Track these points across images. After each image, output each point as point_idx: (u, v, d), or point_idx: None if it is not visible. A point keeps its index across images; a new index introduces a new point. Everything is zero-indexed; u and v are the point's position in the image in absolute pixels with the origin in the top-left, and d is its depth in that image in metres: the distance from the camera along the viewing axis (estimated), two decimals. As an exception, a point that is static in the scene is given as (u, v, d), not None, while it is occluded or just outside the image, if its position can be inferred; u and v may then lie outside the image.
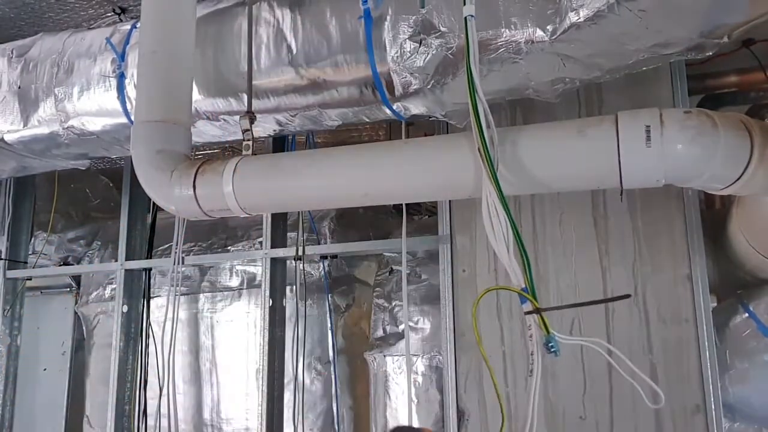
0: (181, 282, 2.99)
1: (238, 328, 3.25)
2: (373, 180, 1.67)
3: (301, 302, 2.91)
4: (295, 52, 1.92)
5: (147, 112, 1.85)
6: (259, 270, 3.00)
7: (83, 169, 2.78)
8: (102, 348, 3.45)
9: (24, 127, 2.38)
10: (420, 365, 2.69)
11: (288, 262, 2.93)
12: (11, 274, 3.40)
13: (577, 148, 1.45)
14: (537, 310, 1.25)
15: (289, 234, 2.98)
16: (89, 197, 3.95)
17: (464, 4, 1.44)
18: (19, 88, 2.36)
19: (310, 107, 2.01)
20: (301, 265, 2.87)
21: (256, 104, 1.98)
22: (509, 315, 2.21)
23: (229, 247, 3.33)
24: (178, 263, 2.80)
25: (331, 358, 3.13)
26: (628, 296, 2.02)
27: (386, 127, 3.55)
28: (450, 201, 2.40)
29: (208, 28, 2.07)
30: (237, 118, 1.99)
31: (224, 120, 2.15)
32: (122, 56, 2.19)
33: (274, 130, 2.20)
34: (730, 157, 1.37)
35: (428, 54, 1.76)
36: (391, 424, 2.74)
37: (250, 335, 3.19)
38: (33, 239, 3.60)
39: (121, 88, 2.18)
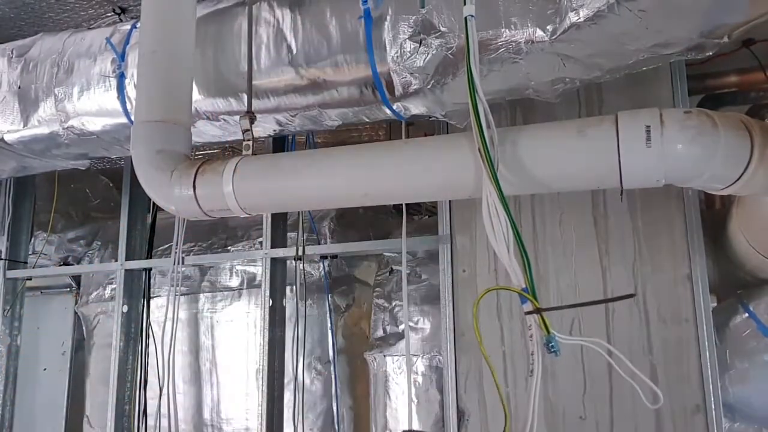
0: (181, 282, 2.99)
1: (238, 328, 3.25)
2: (373, 180, 1.67)
3: (301, 302, 2.91)
4: (295, 52, 1.92)
5: (147, 112, 1.85)
6: (259, 270, 3.00)
7: (83, 169, 2.78)
8: (102, 348, 3.45)
9: (24, 127, 2.38)
10: (420, 365, 2.69)
11: (288, 262, 2.93)
12: (11, 274, 3.40)
13: (577, 148, 1.45)
14: (537, 310, 1.25)
15: (289, 234, 2.98)
16: (89, 197, 3.95)
17: (464, 4, 1.43)
18: (19, 88, 2.36)
19: (310, 107, 2.01)
20: (301, 265, 2.87)
21: (256, 104, 1.98)
22: (509, 315, 2.21)
23: (229, 247, 3.33)
24: (178, 263, 2.80)
25: (331, 358, 3.13)
26: (632, 296, 2.03)
27: (386, 127, 3.55)
28: (450, 201, 2.40)
29: (208, 28, 2.07)
30: (237, 118, 1.99)
31: (224, 120, 2.15)
32: (122, 56, 2.19)
33: (274, 130, 2.20)
34: (730, 157, 1.37)
35: (428, 54, 1.76)
36: (391, 424, 2.74)
37: (250, 335, 3.19)
38: (33, 239, 3.60)
39: (121, 88, 2.18)
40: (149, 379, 3.02)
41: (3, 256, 3.39)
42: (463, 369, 2.28)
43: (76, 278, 3.87)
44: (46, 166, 2.73)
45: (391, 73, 1.82)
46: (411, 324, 2.71)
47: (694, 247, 2.05)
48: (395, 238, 2.78)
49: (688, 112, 1.41)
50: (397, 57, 1.79)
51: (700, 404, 1.97)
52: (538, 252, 2.21)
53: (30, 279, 3.50)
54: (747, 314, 2.08)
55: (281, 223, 2.94)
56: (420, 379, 2.69)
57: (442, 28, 1.72)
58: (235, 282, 3.31)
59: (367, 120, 2.07)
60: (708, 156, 1.37)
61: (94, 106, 2.24)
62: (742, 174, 1.38)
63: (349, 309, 3.21)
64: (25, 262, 3.49)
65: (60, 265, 3.72)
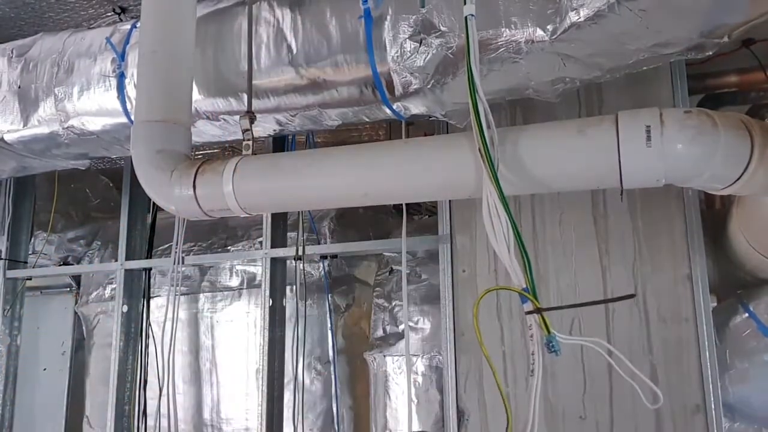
0: (181, 282, 2.99)
1: (238, 328, 3.25)
2: (373, 180, 1.67)
3: (301, 302, 2.91)
4: (295, 51, 1.92)
5: (147, 111, 1.85)
6: (259, 270, 3.00)
7: (83, 169, 2.78)
8: (102, 348, 3.45)
9: (24, 126, 2.38)
10: (420, 365, 2.69)
11: (288, 262, 2.93)
12: (11, 274, 3.40)
13: (577, 148, 1.45)
14: (538, 310, 1.25)
15: (289, 234, 2.98)
16: (89, 197, 3.95)
17: (464, 3, 1.43)
18: (19, 87, 2.36)
19: (310, 107, 2.01)
20: (301, 265, 2.87)
21: (256, 104, 1.98)
22: (509, 315, 2.21)
23: (229, 247, 3.33)
24: (178, 263, 2.80)
25: (331, 358, 3.13)
26: (633, 296, 2.03)
27: (386, 127, 3.55)
28: (450, 201, 2.40)
29: (208, 27, 2.07)
30: (237, 118, 1.99)
31: (224, 120, 2.15)
32: (122, 56, 2.19)
33: (274, 130, 2.20)
34: (730, 157, 1.37)
35: (428, 54, 1.76)
36: (391, 424, 2.74)
37: (250, 335, 3.19)
38: (33, 239, 3.60)
39: (121, 88, 2.18)
40: (149, 379, 3.02)
41: (3, 256, 3.39)
42: (463, 369, 2.28)
43: (76, 278, 3.87)
44: (46, 166, 2.72)
45: (391, 73, 1.82)
46: (411, 324, 2.71)
47: (694, 247, 2.05)
48: (395, 238, 2.78)
49: (688, 111, 1.41)
50: (397, 57, 1.79)
51: (700, 404, 1.97)
52: (538, 252, 2.21)
53: (30, 279, 3.49)
54: (747, 314, 2.08)
55: (281, 223, 2.94)
56: (420, 379, 2.69)
57: (443, 28, 1.72)
58: (235, 282, 3.31)
59: (367, 120, 2.07)
60: (708, 156, 1.37)
61: (94, 106, 2.24)
62: (742, 174, 1.38)
63: (349, 309, 3.21)
64: (25, 262, 3.49)
65: (60, 265, 3.72)
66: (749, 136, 1.37)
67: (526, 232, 2.22)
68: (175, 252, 2.79)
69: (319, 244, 3.10)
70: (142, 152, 1.83)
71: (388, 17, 1.79)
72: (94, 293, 3.60)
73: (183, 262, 2.88)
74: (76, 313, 3.81)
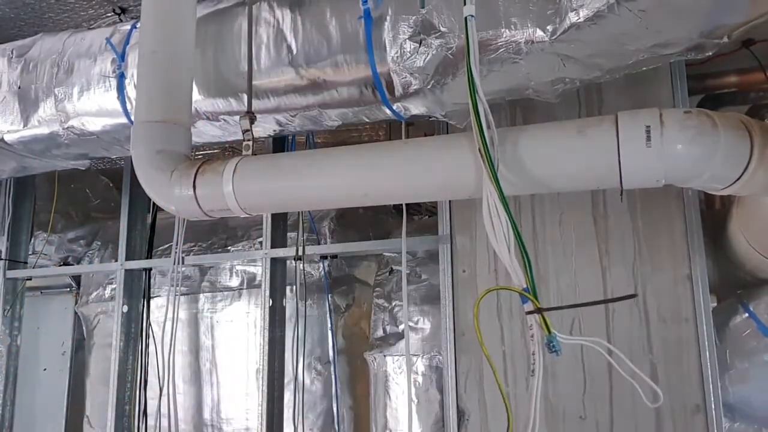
0: (181, 282, 2.99)
1: (238, 328, 3.25)
2: (373, 180, 1.67)
3: (301, 302, 2.91)
4: (295, 52, 1.92)
5: (147, 112, 1.85)
6: (259, 270, 3.00)
7: (83, 169, 2.78)
8: (102, 348, 3.45)
9: (24, 127, 2.38)
10: (420, 365, 2.69)
11: (288, 262, 2.93)
12: (11, 274, 3.40)
13: (577, 148, 1.45)
14: (539, 310, 1.25)
15: (289, 234, 2.98)
16: (89, 197, 3.95)
17: (464, 4, 1.43)
18: (19, 88, 2.36)
19: (310, 107, 2.01)
20: (301, 265, 2.87)
21: (256, 104, 1.98)
22: (509, 315, 2.21)
23: (229, 247, 3.33)
24: (178, 263, 2.80)
25: (331, 358, 3.13)
26: (634, 296, 2.02)
27: (386, 127, 3.55)
28: (450, 201, 2.40)
29: (208, 28, 2.07)
30: (237, 118, 1.99)
31: (224, 120, 2.15)
32: (122, 56, 2.19)
33: (274, 130, 2.20)
34: (730, 157, 1.37)
35: (428, 54, 1.76)
36: (391, 424, 2.74)
37: (250, 335, 3.19)
38: (33, 239, 3.60)
39: (121, 88, 2.18)
40: (149, 379, 3.02)
41: (3, 256, 3.39)
42: (463, 369, 2.28)
43: (76, 278, 3.87)
44: (46, 166, 2.73)
45: (391, 74, 1.82)
46: (411, 324, 2.71)
47: (694, 247, 2.05)
48: (395, 238, 2.78)
49: (688, 112, 1.41)
50: (397, 57, 1.79)
51: (700, 404, 1.97)
52: (538, 252, 2.21)
53: (30, 279, 3.50)
54: (747, 314, 2.08)
55: (281, 223, 2.94)
56: (420, 379, 2.69)
57: (442, 28, 1.72)
58: (235, 282, 3.31)
59: (367, 120, 2.07)
60: (708, 156, 1.37)
61: (94, 107, 2.24)
62: (742, 174, 1.38)
63: (349, 309, 3.21)
64: (25, 262, 3.49)
65: (60, 265, 3.72)
66: (749, 136, 1.37)
67: (526, 232, 2.22)
68: (175, 252, 2.79)
69: (319, 244, 3.10)
70: (142, 152, 1.83)
71: (388, 18, 1.79)
72: (94, 293, 3.60)
73: (183, 262, 2.88)
74: (76, 313, 3.81)
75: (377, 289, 2.97)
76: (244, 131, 1.88)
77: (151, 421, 2.97)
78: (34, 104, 2.34)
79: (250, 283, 3.27)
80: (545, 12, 1.61)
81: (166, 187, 1.80)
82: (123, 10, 2.54)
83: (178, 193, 1.78)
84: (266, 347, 2.75)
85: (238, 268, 3.31)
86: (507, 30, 1.65)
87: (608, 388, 2.07)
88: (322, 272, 3.16)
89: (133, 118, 2.09)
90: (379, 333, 2.88)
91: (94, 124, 2.28)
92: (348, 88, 1.91)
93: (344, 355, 3.16)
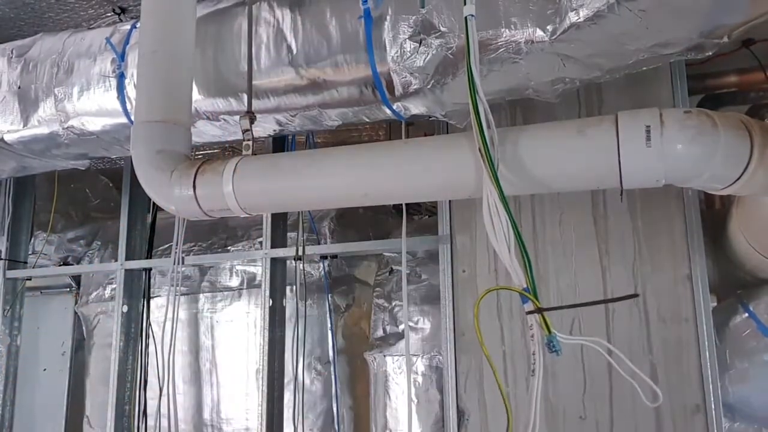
0: (181, 282, 2.98)
1: (238, 328, 3.25)
2: (373, 180, 1.67)
3: (301, 302, 2.91)
4: (295, 52, 1.92)
5: (147, 112, 1.85)
6: (259, 270, 3.00)
7: (83, 169, 2.78)
8: (102, 348, 3.45)
9: (24, 127, 2.38)
10: (420, 365, 2.69)
11: (288, 262, 2.93)
12: (11, 274, 3.40)
13: (577, 148, 1.45)
14: (539, 310, 1.25)
15: (289, 234, 2.98)
16: (89, 197, 3.95)
17: (464, 4, 1.43)
18: (19, 88, 2.36)
19: (310, 107, 2.01)
20: (301, 265, 2.87)
21: (256, 104, 1.98)
22: (509, 315, 2.21)
23: (229, 247, 3.33)
24: (178, 263, 2.80)
25: (331, 358, 3.13)
26: (636, 296, 2.02)
27: (386, 127, 3.55)
28: (450, 201, 2.40)
29: (208, 28, 2.07)
30: (237, 118, 1.99)
31: (224, 120, 2.15)
32: (122, 56, 2.19)
33: (274, 130, 2.20)
34: (730, 157, 1.37)
35: (428, 54, 1.76)
36: (391, 424, 2.74)
37: (250, 335, 3.19)
38: (33, 239, 3.60)
39: (121, 88, 2.18)
40: (149, 379, 3.02)
41: (3, 256, 3.38)
42: (463, 369, 2.28)
43: (76, 278, 3.86)
44: (46, 166, 2.73)
45: (391, 73, 1.82)
46: (411, 324, 2.71)
47: (694, 247, 2.05)
48: (395, 238, 2.78)
49: (688, 112, 1.41)
50: (397, 57, 1.79)
51: (700, 404, 1.97)
52: (538, 252, 2.21)
53: (30, 279, 3.49)
54: (747, 314, 2.08)
55: (281, 223, 2.94)
56: (420, 379, 2.69)
57: (442, 28, 1.72)
58: (235, 282, 3.31)
59: (367, 120, 2.07)
60: (708, 156, 1.37)
61: (94, 106, 2.24)
62: (742, 174, 1.38)
63: (349, 309, 3.21)
64: (25, 262, 3.49)
65: (60, 265, 3.71)
66: (749, 136, 1.37)
67: (526, 232, 2.22)
68: (175, 252, 2.79)
69: (319, 244, 3.10)
70: (142, 152, 1.83)
71: (388, 17, 1.79)
72: (94, 293, 3.59)
73: (183, 262, 2.88)
74: (76, 313, 3.81)
75: (377, 289, 2.97)
76: (244, 131, 1.88)
77: (150, 421, 2.97)
78: (33, 104, 2.34)
79: (250, 283, 3.27)
80: (545, 12, 1.61)
81: (166, 187, 1.80)
82: (123, 10, 2.54)
83: (178, 193, 1.78)
84: (266, 347, 2.75)
85: (238, 268, 3.31)
86: (507, 30, 1.65)
87: (608, 388, 2.07)
88: (322, 272, 3.16)
89: (133, 118, 2.09)
90: (379, 333, 2.88)
91: (94, 124, 2.28)
92: (348, 88, 1.91)
93: (344, 355, 3.16)
